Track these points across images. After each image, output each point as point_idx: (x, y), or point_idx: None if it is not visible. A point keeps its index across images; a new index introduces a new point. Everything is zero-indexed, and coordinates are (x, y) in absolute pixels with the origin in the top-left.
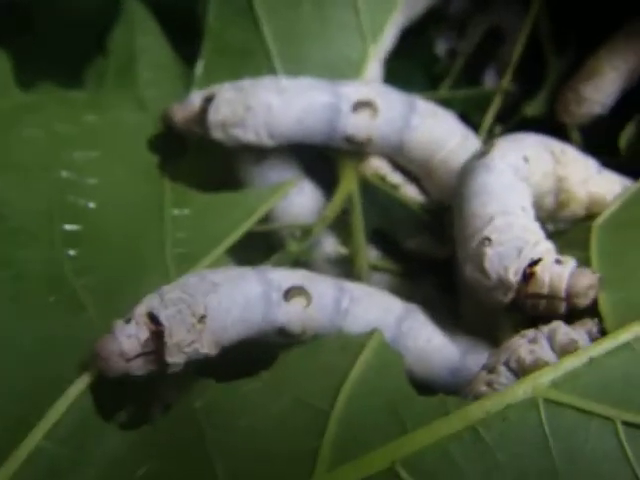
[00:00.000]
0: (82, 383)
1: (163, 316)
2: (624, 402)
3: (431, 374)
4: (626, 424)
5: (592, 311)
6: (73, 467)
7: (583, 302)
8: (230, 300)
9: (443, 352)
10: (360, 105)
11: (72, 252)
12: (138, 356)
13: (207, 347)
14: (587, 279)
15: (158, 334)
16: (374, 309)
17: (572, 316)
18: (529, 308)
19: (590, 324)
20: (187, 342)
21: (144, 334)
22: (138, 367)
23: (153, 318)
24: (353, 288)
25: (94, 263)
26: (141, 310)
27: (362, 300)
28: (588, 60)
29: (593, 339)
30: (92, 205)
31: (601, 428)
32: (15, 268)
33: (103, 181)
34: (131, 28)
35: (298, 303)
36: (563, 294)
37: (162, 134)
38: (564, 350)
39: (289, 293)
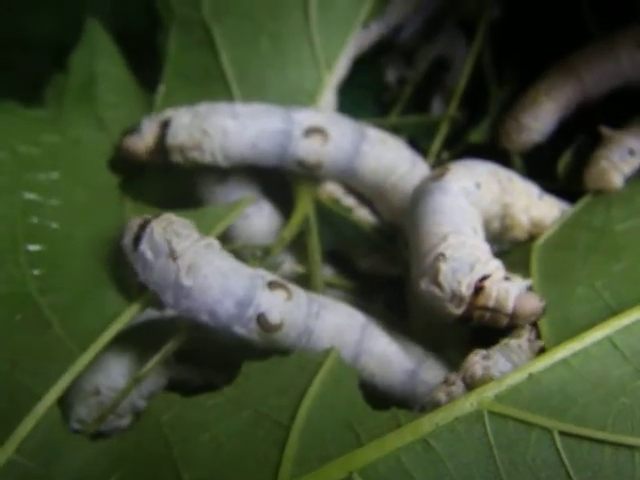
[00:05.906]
0: (50, 399)
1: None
2: (560, 414)
3: (391, 378)
4: (562, 434)
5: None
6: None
7: (523, 323)
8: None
9: (402, 356)
10: (311, 131)
11: (37, 272)
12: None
13: None
14: (533, 304)
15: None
16: (342, 314)
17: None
18: (476, 319)
19: (527, 333)
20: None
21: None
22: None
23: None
24: (319, 297)
25: (59, 282)
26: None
27: (330, 306)
28: (527, 91)
29: (532, 344)
30: (55, 225)
31: (540, 438)
32: None
33: (65, 202)
34: (92, 51)
35: (279, 295)
36: (509, 311)
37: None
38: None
39: (272, 284)
